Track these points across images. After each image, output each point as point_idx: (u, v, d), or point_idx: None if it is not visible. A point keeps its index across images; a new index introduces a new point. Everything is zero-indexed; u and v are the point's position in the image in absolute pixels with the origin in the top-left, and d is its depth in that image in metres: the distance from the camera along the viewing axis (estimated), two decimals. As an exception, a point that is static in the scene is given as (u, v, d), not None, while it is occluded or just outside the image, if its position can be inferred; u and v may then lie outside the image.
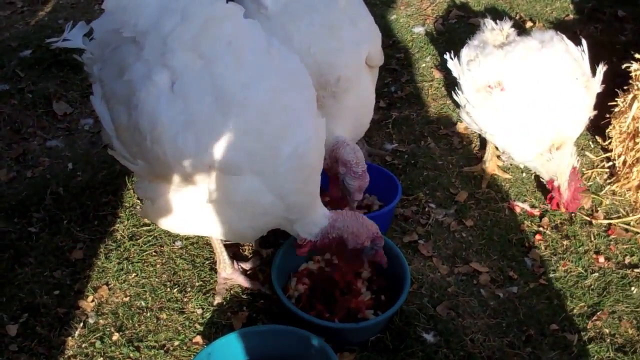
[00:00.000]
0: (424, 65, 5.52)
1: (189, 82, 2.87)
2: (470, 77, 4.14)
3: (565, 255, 3.87)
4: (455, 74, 4.28)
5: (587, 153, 4.59)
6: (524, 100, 3.93)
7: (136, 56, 3.01)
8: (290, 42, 3.48)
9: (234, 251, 3.76)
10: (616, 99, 4.33)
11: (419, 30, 5.95)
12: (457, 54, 4.32)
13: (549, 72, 3.95)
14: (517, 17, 6.09)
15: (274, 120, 2.88)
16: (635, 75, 4.24)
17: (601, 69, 4.09)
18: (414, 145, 4.68)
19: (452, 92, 4.31)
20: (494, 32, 4.35)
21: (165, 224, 3.25)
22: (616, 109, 4.36)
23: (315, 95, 3.14)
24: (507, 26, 4.38)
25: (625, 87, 4.33)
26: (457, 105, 4.94)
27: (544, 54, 4.00)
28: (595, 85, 4.06)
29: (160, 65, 2.91)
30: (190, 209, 3.08)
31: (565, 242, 3.96)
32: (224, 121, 2.82)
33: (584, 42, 4.16)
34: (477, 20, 5.63)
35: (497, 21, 4.41)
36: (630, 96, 4.23)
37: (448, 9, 6.29)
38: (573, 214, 4.12)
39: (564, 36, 4.19)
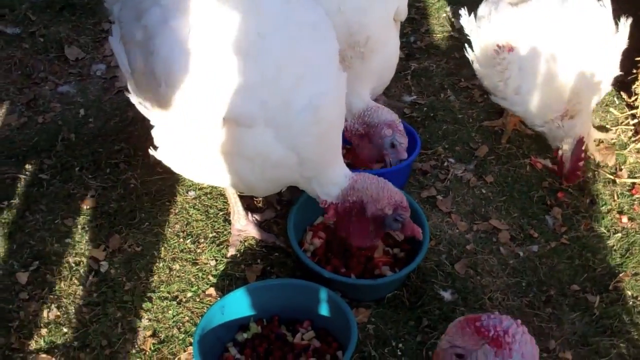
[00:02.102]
0: (444, 15, 5.37)
1: (205, 29, 2.79)
2: (480, 35, 3.96)
3: (587, 214, 3.78)
4: (466, 30, 4.09)
5: (611, 109, 4.46)
6: (535, 63, 3.72)
7: (153, 0, 2.92)
8: (319, 0, 3.38)
9: (249, 203, 3.68)
10: (644, 55, 4.18)
11: (440, -22, 5.78)
12: (472, 10, 4.13)
13: (564, 31, 3.70)
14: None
15: (290, 72, 2.79)
16: (664, 29, 4.07)
17: (625, 22, 3.82)
18: (433, 97, 4.57)
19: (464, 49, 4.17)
20: None
21: (179, 169, 3.22)
22: (644, 65, 4.21)
23: (337, 49, 3.03)
24: None
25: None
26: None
27: (559, 12, 3.75)
28: (619, 42, 3.82)
29: (177, 10, 2.83)
30: (203, 158, 3.01)
31: (587, 201, 3.86)
32: (239, 71, 2.74)
33: None
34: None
35: None
36: (658, 51, 4.08)
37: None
38: (596, 172, 4.01)
39: None
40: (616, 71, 3.86)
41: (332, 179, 3.02)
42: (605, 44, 3.77)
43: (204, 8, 2.81)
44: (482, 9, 4.06)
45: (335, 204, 3.06)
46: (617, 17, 3.86)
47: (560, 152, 3.84)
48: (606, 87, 3.87)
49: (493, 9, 3.96)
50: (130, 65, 3.11)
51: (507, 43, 3.81)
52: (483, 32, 3.95)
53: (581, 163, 3.77)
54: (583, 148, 3.76)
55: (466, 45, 4.11)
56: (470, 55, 4.07)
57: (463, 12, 4.13)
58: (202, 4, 2.81)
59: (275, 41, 2.79)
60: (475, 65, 4.04)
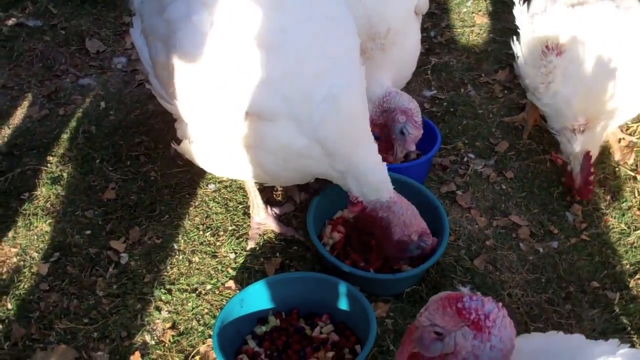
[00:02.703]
0: (465, 10, 5.34)
1: (228, 24, 2.80)
2: (531, 31, 3.87)
3: (607, 211, 3.75)
4: (518, 22, 4.01)
5: (633, 106, 4.42)
6: (577, 72, 3.64)
7: None
8: None
9: (268, 196, 3.69)
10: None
11: (461, -27, 5.75)
12: (527, 1, 4.04)
13: (618, 42, 3.61)
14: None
15: (311, 65, 2.80)
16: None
17: None
18: (453, 92, 4.55)
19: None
20: None
21: (201, 163, 3.23)
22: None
23: (358, 43, 3.04)
24: None
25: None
26: (500, 52, 4.81)
27: (617, 19, 3.66)
28: None
29: (200, 4, 2.83)
30: (225, 152, 3.03)
31: (608, 198, 3.83)
32: (261, 65, 2.76)
33: None
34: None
35: None
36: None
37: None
38: (617, 169, 3.98)
39: None
40: None
41: (373, 184, 3.02)
42: None
43: (227, 2, 2.82)
44: (537, 4, 3.95)
45: (364, 205, 3.07)
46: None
47: (569, 168, 3.78)
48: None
49: (549, 5, 3.86)
50: (151, 59, 3.13)
51: (557, 45, 3.72)
52: (535, 27, 3.85)
53: (591, 177, 3.69)
54: (591, 162, 3.70)
55: (514, 37, 4.06)
56: (516, 48, 4.00)
57: (517, 1, 4.03)
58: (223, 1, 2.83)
59: (298, 35, 2.80)
60: (520, 61, 3.97)
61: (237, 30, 2.78)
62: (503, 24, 5.09)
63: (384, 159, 3.69)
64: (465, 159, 4.04)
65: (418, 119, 3.58)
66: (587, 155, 3.68)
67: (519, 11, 4.00)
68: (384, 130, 3.68)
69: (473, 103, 4.46)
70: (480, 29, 5.11)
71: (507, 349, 1.90)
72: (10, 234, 3.43)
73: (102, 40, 4.85)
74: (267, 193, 3.68)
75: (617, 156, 4.06)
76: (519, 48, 3.96)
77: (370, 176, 3.00)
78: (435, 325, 1.93)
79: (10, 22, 4.86)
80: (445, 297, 1.95)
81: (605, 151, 4.06)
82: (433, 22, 5.19)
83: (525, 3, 4.03)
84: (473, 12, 5.30)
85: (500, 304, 1.94)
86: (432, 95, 4.52)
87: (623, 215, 3.73)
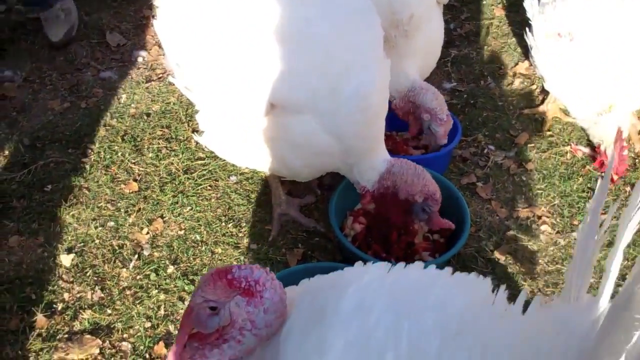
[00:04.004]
0: (484, 2, 5.33)
1: (252, 16, 2.83)
2: (542, 21, 3.90)
3: (627, 203, 3.73)
4: (529, 14, 4.04)
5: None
6: (591, 55, 3.67)
7: None
8: None
9: (290, 188, 3.70)
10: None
11: (480, -35, 5.74)
12: None
13: (626, 28, 3.63)
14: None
15: (338, 59, 2.81)
16: None
17: None
18: (473, 84, 4.55)
19: (517, 34, 4.12)
20: None
21: (224, 154, 3.26)
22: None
23: (382, 36, 3.04)
24: None
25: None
26: (520, 44, 4.79)
27: (624, 7, 3.66)
28: None
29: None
30: (249, 144, 3.05)
31: (628, 189, 3.82)
32: (287, 58, 2.77)
33: None
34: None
35: None
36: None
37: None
38: (637, 160, 3.97)
39: None
40: None
41: (373, 164, 3.04)
42: None
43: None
44: None
45: (372, 191, 3.09)
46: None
47: (602, 147, 3.81)
48: None
49: None
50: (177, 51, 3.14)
51: (569, 32, 3.75)
52: (547, 17, 3.89)
53: (625, 153, 3.71)
54: (624, 138, 3.71)
55: (526, 29, 4.07)
56: (529, 40, 4.03)
57: None
58: None
59: (323, 28, 2.81)
60: (534, 52, 4.00)
61: (262, 22, 2.80)
62: (522, 16, 5.06)
63: (405, 151, 3.75)
64: (485, 151, 4.04)
65: (443, 116, 3.60)
66: (618, 132, 3.69)
67: (530, 3, 4.03)
68: (410, 117, 3.71)
69: (493, 95, 4.46)
70: (500, 22, 5.10)
71: (280, 310, 1.98)
72: (34, 225, 3.46)
73: (123, 33, 4.89)
74: (288, 185, 3.69)
75: (637, 147, 4.05)
76: (532, 39, 3.99)
77: (373, 164, 3.04)
78: (209, 301, 1.96)
79: (31, 15, 4.89)
80: (215, 271, 1.99)
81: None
82: (453, 15, 5.19)
83: None
84: (492, 5, 5.29)
85: (268, 268, 2.01)
86: (452, 87, 4.53)
87: (645, 206, 3.71)
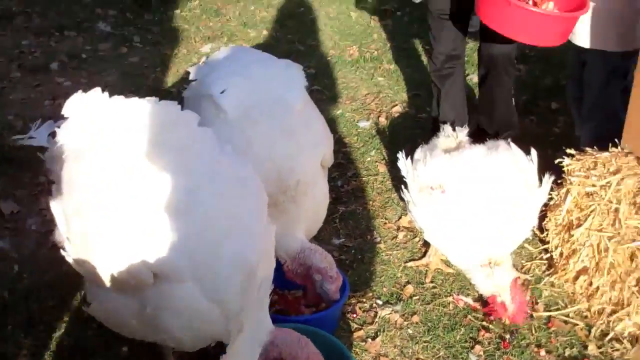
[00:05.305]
0: (369, 159, 5.66)
1: (136, 190, 2.95)
2: (415, 176, 4.21)
3: (508, 350, 3.94)
4: (403, 172, 4.33)
5: (526, 245, 4.69)
6: (462, 206, 3.98)
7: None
8: (250, 147, 3.60)
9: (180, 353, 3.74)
10: (551, 193, 4.41)
11: (364, 124, 6.12)
12: (408, 153, 4.39)
13: (490, 181, 3.99)
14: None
15: (218, 225, 2.93)
16: (568, 170, 4.37)
17: (547, 179, 4.12)
18: (360, 239, 4.77)
19: (400, 189, 4.39)
20: (448, 138, 4.43)
21: (111, 326, 3.28)
22: (551, 202, 4.45)
23: (266, 202, 3.21)
24: (462, 134, 4.45)
25: (559, 181, 4.41)
26: (402, 199, 5.08)
27: (487, 162, 4.07)
28: (541, 196, 4.11)
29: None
30: (133, 316, 3.09)
31: (507, 336, 4.02)
32: (169, 228, 2.88)
33: (533, 151, 4.18)
34: (421, 116, 5.88)
35: (456, 128, 4.49)
36: (563, 190, 4.35)
37: (392, 103, 6.49)
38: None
39: (513, 145, 4.22)
40: (535, 222, 4.17)
41: (253, 335, 3.02)
42: (528, 197, 4.06)
43: (132, 170, 2.99)
44: (418, 153, 4.34)
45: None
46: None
47: (498, 299, 4.00)
48: (524, 236, 4.17)
49: (428, 153, 4.24)
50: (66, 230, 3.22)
51: (439, 185, 4.05)
52: (419, 173, 4.18)
53: (525, 302, 3.98)
54: (521, 286, 3.99)
55: (402, 187, 4.33)
56: (406, 196, 4.29)
57: (401, 155, 4.35)
58: (131, 166, 3.00)
59: (204, 196, 2.95)
60: (411, 206, 4.25)
61: (145, 194, 2.92)
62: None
63: (297, 310, 3.85)
64: (373, 305, 4.20)
65: (332, 274, 3.75)
66: (515, 281, 3.97)
67: (403, 163, 4.33)
68: (306, 281, 3.83)
69: (379, 249, 4.67)
70: (384, 177, 5.41)
71: None
72: None
73: (17, 201, 4.93)
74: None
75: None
76: (408, 194, 4.26)
77: (253, 338, 3.03)
78: None
79: None
80: None
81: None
82: (340, 172, 5.46)
83: (409, 157, 4.34)
84: (376, 161, 5.61)
85: None
86: (341, 243, 4.73)
87: (522, 352, 3.89)
